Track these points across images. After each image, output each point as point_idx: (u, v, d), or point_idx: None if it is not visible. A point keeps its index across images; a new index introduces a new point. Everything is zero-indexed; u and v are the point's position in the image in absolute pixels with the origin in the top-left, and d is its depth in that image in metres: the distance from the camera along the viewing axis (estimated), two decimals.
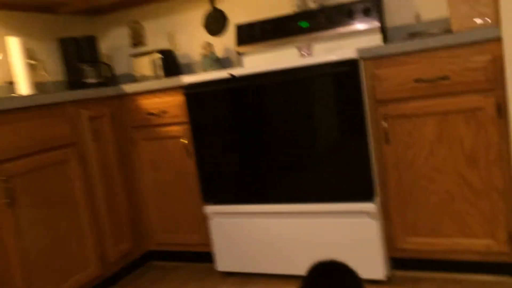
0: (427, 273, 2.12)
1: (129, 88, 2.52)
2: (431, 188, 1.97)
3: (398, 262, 2.16)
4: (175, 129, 2.47)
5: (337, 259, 1.59)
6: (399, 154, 2.00)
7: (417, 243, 2.03)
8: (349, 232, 2.09)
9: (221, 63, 2.90)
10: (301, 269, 2.23)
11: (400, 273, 2.17)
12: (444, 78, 1.85)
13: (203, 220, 2.49)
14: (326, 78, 2.03)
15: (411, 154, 1.97)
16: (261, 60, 2.76)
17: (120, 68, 3.34)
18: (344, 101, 2.01)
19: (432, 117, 1.90)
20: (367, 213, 2.04)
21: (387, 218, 2.08)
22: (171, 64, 2.93)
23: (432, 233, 2.00)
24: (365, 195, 2.05)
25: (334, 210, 2.11)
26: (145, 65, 2.92)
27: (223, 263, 2.43)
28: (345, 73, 1.98)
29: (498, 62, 1.77)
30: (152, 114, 2.51)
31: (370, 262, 2.08)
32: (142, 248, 2.68)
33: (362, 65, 2.00)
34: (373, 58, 1.97)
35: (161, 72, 2.88)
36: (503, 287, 1.93)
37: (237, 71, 2.21)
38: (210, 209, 2.40)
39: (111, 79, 3.12)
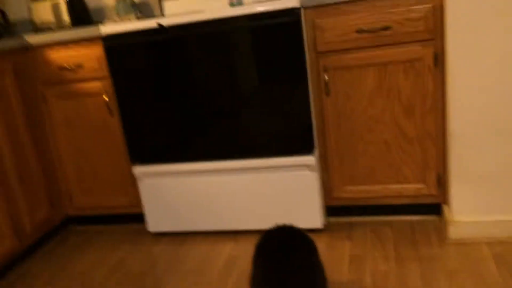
0: (361, 218, 2.23)
1: (34, 39, 2.19)
2: (369, 138, 2.02)
3: (334, 210, 2.23)
4: (94, 85, 2.22)
5: (289, 224, 1.61)
6: (339, 106, 2.00)
7: (353, 191, 2.10)
8: (288, 185, 2.09)
9: (138, 8, 2.63)
10: (239, 224, 2.21)
11: (335, 220, 2.24)
12: (386, 28, 1.85)
13: (131, 181, 2.33)
14: (267, 28, 1.92)
15: (350, 106, 1.99)
16: (184, 5, 2.55)
17: (15, 14, 2.88)
18: (284, 52, 1.93)
19: (373, 68, 1.92)
20: (306, 166, 2.05)
21: (325, 169, 2.11)
22: (78, 8, 2.59)
23: (367, 181, 2.08)
24: (305, 148, 2.04)
25: (272, 165, 2.08)
26: (47, 10, 2.54)
27: (155, 224, 2.32)
28: (286, 23, 1.89)
29: (438, 12, 1.81)
30: (65, 68, 2.22)
31: (308, 213, 2.11)
32: (61, 214, 2.46)
33: (302, 14, 1.93)
34: (315, 6, 1.91)
35: (66, 19, 2.54)
36: (428, 224, 2.09)
37: (164, 21, 2.01)
38: (138, 169, 2.24)
39: (6, 28, 2.68)
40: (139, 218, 2.46)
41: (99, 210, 2.44)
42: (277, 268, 1.41)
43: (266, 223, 2.18)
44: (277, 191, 2.12)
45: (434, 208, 2.14)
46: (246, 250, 2.10)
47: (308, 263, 1.45)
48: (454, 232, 1.93)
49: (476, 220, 1.91)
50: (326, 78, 1.97)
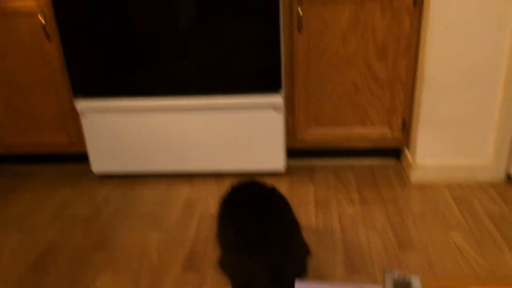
0: (322, 161, 2.18)
1: None
2: (338, 79, 1.93)
3: (296, 152, 2.16)
4: (27, 4, 1.89)
5: (253, 179, 1.54)
6: (311, 44, 1.88)
7: (318, 134, 2.03)
8: (251, 126, 1.97)
9: None
10: (196, 166, 2.07)
11: (296, 163, 2.18)
12: None
13: (72, 117, 2.07)
14: None
15: (323, 44, 1.88)
16: None
17: None
18: None
19: (349, 3, 1.80)
20: (272, 106, 1.93)
21: (290, 110, 2.01)
22: None
23: (333, 123, 2.02)
24: (271, 87, 1.92)
25: (235, 104, 1.94)
26: None
27: (100, 164, 2.11)
28: None
29: None
30: None
31: (271, 155, 2.02)
32: None
33: None
34: None
35: None
36: (389, 168, 2.10)
37: None
38: (82, 103, 1.99)
39: None
40: (81, 158, 2.23)
41: (34, 148, 2.16)
42: (252, 223, 1.31)
43: (226, 166, 2.06)
44: (239, 132, 1.99)
45: (395, 152, 2.14)
46: (205, 193, 1.98)
47: (282, 216, 1.37)
48: (416, 176, 1.95)
49: (437, 164, 1.93)
50: (301, 12, 1.83)
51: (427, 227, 1.69)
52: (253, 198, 1.43)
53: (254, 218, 1.33)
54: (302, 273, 1.36)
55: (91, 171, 2.12)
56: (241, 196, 1.47)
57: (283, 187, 1.99)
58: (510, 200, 1.84)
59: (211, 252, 1.61)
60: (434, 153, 1.93)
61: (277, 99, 1.91)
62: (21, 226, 1.81)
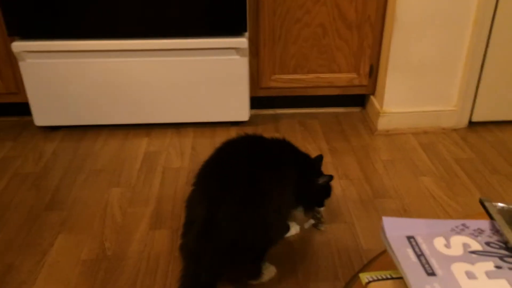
0: (288, 110, 2.09)
1: None
2: (304, 21, 1.82)
3: (260, 101, 2.05)
4: None
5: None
6: None
7: (283, 80, 1.93)
8: (213, 72, 1.83)
9: None
10: (153, 117, 1.91)
11: (258, 112, 2.08)
12: None
13: (8, 61, 1.82)
14: None
15: None
16: None
17: None
18: None
19: None
20: (235, 50, 1.79)
21: (255, 55, 1.88)
22: None
23: (298, 70, 1.92)
24: (235, 29, 1.77)
25: (196, 47, 1.78)
26: None
27: (44, 117, 1.89)
28: None
29: None
30: None
31: (235, 104, 1.90)
32: None
33: None
34: None
35: None
36: (354, 116, 2.05)
37: None
38: (19, 46, 1.74)
39: None
40: (21, 109, 1.99)
41: None
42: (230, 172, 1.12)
43: (186, 116, 1.91)
44: (200, 78, 1.84)
45: (359, 100, 2.09)
46: (165, 146, 1.84)
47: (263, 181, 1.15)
48: (382, 123, 1.92)
49: (403, 111, 1.91)
50: None
51: (398, 173, 1.67)
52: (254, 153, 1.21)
53: (237, 168, 1.15)
54: (258, 243, 1.14)
55: (33, 124, 1.90)
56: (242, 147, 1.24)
57: None
58: (474, 144, 1.85)
59: (179, 207, 1.50)
60: (401, 100, 1.89)
61: (241, 42, 1.77)
62: None
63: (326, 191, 1.36)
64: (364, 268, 0.46)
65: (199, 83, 1.84)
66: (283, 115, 2.06)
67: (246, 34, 1.80)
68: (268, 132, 1.92)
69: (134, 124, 1.95)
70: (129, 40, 1.76)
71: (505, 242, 0.40)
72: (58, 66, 1.78)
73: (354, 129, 1.95)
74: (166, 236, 1.38)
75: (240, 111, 1.92)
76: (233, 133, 1.91)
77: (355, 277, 0.44)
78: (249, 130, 1.92)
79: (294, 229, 1.40)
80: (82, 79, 1.81)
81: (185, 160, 1.75)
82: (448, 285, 0.36)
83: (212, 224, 1.04)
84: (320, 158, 1.37)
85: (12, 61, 1.81)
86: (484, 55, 1.82)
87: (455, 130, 1.95)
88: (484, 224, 0.41)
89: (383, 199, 1.55)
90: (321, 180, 1.30)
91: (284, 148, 1.31)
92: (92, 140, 1.87)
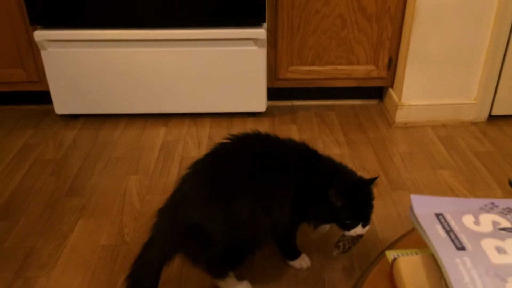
0: (305, 101, 2.09)
1: None
2: (323, 12, 1.81)
3: (278, 92, 2.05)
4: None
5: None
6: None
7: (301, 72, 1.93)
8: (232, 62, 1.83)
9: None
10: (171, 107, 1.92)
11: (275, 104, 2.08)
12: None
13: (30, 50, 1.85)
14: None
15: None
16: None
17: None
18: None
19: None
20: (254, 40, 1.79)
21: (274, 45, 1.88)
22: None
23: (316, 61, 1.91)
24: (254, 20, 1.77)
25: (215, 38, 1.79)
26: None
27: (64, 105, 1.92)
28: None
29: None
30: None
31: (252, 94, 1.90)
32: None
33: None
34: None
35: None
36: (371, 109, 2.04)
37: None
38: (41, 34, 1.77)
39: None
40: (42, 97, 2.01)
41: None
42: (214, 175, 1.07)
43: (203, 106, 1.92)
44: (218, 69, 1.85)
45: (377, 92, 2.08)
46: (183, 135, 1.85)
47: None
48: (401, 116, 1.90)
49: (422, 104, 1.89)
50: None
51: (416, 166, 1.66)
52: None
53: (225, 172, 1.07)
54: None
55: (54, 112, 1.93)
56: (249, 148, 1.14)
57: (264, 128, 1.89)
58: (493, 138, 1.83)
59: None
60: (420, 93, 1.88)
61: (260, 32, 1.77)
62: None
63: (353, 211, 1.08)
64: (390, 246, 0.46)
65: (217, 73, 1.85)
66: (300, 107, 2.06)
67: (265, 25, 1.80)
68: (285, 123, 1.92)
69: (152, 114, 1.97)
70: (148, 30, 1.77)
71: None
72: (79, 55, 1.80)
73: (372, 122, 1.94)
74: None
75: (257, 102, 1.92)
76: (250, 124, 1.92)
77: (381, 254, 0.44)
78: (266, 122, 1.93)
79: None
80: (102, 68, 1.83)
81: (202, 149, 1.76)
82: (478, 258, 0.36)
83: (182, 204, 1.03)
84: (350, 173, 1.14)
85: (34, 50, 1.83)
86: (506, 48, 1.79)
87: (474, 123, 1.93)
88: None
89: (400, 191, 1.54)
90: (333, 196, 1.05)
91: (292, 152, 1.14)
92: (111, 129, 1.89)
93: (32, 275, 1.22)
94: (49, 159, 1.70)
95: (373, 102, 2.09)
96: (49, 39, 1.77)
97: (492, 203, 0.42)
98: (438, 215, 0.39)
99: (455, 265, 0.35)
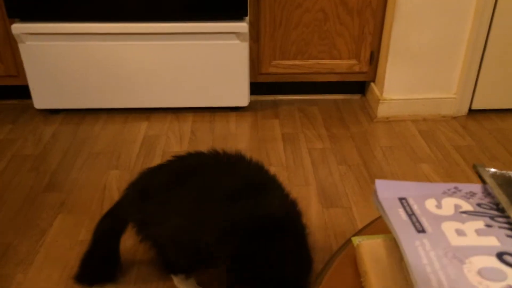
0: (287, 96, 2.09)
1: None
2: (305, 6, 1.81)
3: (260, 86, 2.04)
4: None
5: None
6: None
7: (283, 66, 1.93)
8: (214, 56, 1.82)
9: None
10: (153, 102, 1.91)
11: (261, 98, 2.07)
12: None
13: (7, 44, 1.82)
14: None
15: None
16: None
17: None
18: None
19: None
20: (236, 34, 1.78)
21: (256, 40, 1.87)
22: None
23: (299, 55, 1.91)
24: (236, 13, 1.76)
25: (196, 31, 1.78)
26: None
27: (43, 99, 1.89)
28: None
29: None
30: None
31: (234, 89, 1.90)
32: None
33: None
34: None
35: None
36: (353, 103, 2.05)
37: None
38: (19, 27, 1.74)
39: None
40: (21, 92, 1.98)
41: None
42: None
43: (186, 101, 1.91)
44: (200, 63, 1.84)
45: (359, 87, 2.09)
46: (164, 130, 1.84)
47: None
48: (382, 110, 1.91)
49: (403, 98, 1.90)
50: None
51: (396, 160, 1.67)
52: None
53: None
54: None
55: (33, 107, 1.90)
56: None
57: (247, 123, 1.89)
58: (473, 132, 1.85)
59: None
60: (401, 87, 1.89)
61: (242, 26, 1.76)
62: None
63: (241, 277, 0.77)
64: (357, 233, 0.46)
65: (199, 67, 1.84)
66: (282, 101, 2.06)
67: (247, 18, 1.79)
68: (268, 118, 1.92)
69: (133, 108, 1.95)
70: (128, 24, 1.75)
71: (497, 204, 0.40)
72: (58, 48, 1.78)
73: (354, 116, 1.95)
74: None
75: (240, 96, 1.91)
76: (232, 118, 1.91)
77: (347, 241, 0.44)
78: (248, 116, 1.93)
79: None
80: (82, 62, 1.81)
81: (184, 144, 1.75)
82: (437, 241, 0.36)
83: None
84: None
85: (12, 43, 1.81)
86: (485, 43, 1.81)
87: (454, 118, 1.95)
88: (476, 187, 0.42)
89: None
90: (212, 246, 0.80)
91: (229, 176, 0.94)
92: (91, 124, 1.87)
93: (9, 272, 1.20)
94: (27, 154, 1.68)
95: (356, 96, 2.10)
96: (27, 32, 1.75)
97: (455, 187, 0.42)
98: (402, 199, 0.40)
99: (414, 247, 0.36)
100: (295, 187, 1.52)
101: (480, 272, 0.33)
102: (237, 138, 1.79)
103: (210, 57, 1.82)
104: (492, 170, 0.43)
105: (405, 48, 1.80)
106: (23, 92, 1.94)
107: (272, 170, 1.41)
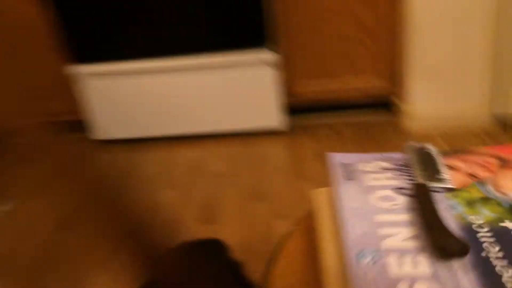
0: (319, 116, 2.21)
1: None
2: (326, 32, 1.94)
3: (292, 109, 2.19)
4: None
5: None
6: None
7: (311, 86, 2.05)
8: (245, 83, 2.00)
9: None
10: (195, 127, 2.10)
11: (295, 121, 2.20)
12: None
13: (66, 83, 2.09)
14: None
15: None
16: None
17: None
18: None
19: None
20: (263, 61, 1.96)
21: (283, 64, 2.03)
22: None
23: (326, 77, 2.03)
24: (261, 42, 1.94)
25: (227, 61, 1.97)
26: None
27: (102, 130, 2.14)
28: None
29: None
30: None
31: (266, 112, 2.06)
32: None
33: None
34: None
35: None
36: (381, 121, 2.12)
37: None
38: (80, 69, 2.01)
39: None
40: (76, 126, 2.24)
41: (31, 117, 2.18)
42: None
43: (223, 126, 2.10)
44: (235, 90, 2.02)
45: (386, 105, 2.17)
46: (208, 152, 2.03)
47: None
48: (411, 126, 1.99)
49: (430, 114, 1.97)
50: None
51: None
52: None
53: None
54: None
55: (89, 138, 2.17)
56: None
57: (281, 144, 2.03)
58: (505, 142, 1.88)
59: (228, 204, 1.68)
60: (426, 103, 1.96)
61: (268, 54, 1.94)
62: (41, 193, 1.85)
63: None
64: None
65: (232, 94, 2.03)
66: (317, 124, 2.17)
67: (273, 46, 1.95)
68: (301, 139, 2.05)
69: (175, 136, 2.16)
70: (165, 59, 1.98)
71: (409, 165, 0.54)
72: (115, 84, 2.04)
73: (384, 134, 2.03)
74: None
75: (272, 118, 2.07)
76: (267, 140, 2.06)
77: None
78: (284, 138, 2.07)
79: None
80: (137, 95, 2.05)
81: (222, 166, 1.92)
82: (361, 185, 0.50)
83: None
84: None
85: (68, 83, 2.07)
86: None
87: (484, 130, 1.98)
88: (400, 155, 0.56)
89: None
90: None
91: None
92: (143, 150, 2.10)
93: None
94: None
95: (384, 114, 2.18)
96: (88, 73, 2.01)
97: (390, 156, 0.55)
98: (344, 164, 0.53)
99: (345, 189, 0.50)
100: None
101: (380, 199, 0.49)
102: (273, 159, 1.93)
103: (242, 84, 2.00)
104: (416, 144, 0.57)
105: (426, 64, 1.88)
106: (75, 125, 2.21)
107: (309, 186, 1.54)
